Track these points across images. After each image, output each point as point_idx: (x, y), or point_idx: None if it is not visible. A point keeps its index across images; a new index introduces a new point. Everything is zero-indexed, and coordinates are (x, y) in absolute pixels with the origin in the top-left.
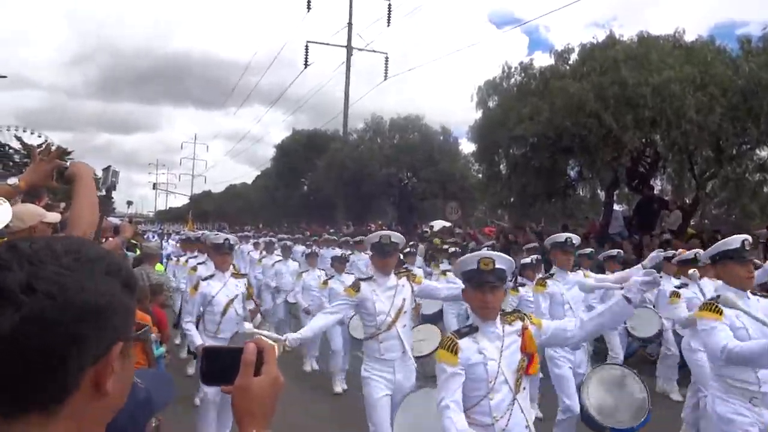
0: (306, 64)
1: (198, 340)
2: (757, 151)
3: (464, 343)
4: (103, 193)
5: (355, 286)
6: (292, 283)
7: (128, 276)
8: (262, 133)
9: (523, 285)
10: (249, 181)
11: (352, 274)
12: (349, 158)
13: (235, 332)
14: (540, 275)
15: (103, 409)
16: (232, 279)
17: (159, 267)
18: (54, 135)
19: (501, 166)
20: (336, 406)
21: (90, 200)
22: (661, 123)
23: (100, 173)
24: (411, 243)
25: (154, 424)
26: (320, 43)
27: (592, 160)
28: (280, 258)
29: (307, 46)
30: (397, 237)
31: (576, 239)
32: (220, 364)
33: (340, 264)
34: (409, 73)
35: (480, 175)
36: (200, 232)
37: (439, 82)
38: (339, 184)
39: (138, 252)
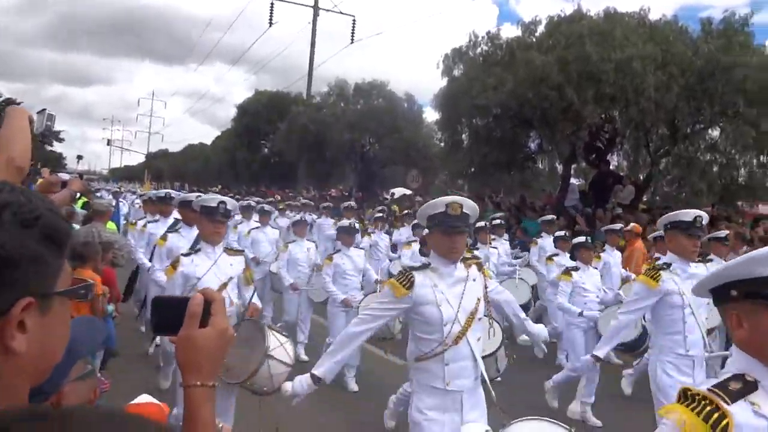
0: (270, 23)
1: None
2: (710, 131)
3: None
4: (39, 139)
5: (406, 281)
6: (273, 253)
7: (50, 227)
8: (223, 92)
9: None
10: (208, 142)
11: (362, 248)
12: (312, 122)
13: (241, 321)
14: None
15: (19, 367)
16: (225, 256)
17: (111, 225)
18: (0, 85)
19: (463, 136)
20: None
21: (19, 124)
22: (620, 99)
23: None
24: (379, 208)
25: (91, 369)
26: (286, 1)
27: (551, 133)
28: (258, 225)
29: (272, 3)
30: (469, 206)
31: (706, 218)
32: (170, 314)
33: (348, 236)
34: (376, 38)
35: (442, 144)
36: (163, 191)
37: (407, 49)
38: (300, 148)
39: (91, 210)
